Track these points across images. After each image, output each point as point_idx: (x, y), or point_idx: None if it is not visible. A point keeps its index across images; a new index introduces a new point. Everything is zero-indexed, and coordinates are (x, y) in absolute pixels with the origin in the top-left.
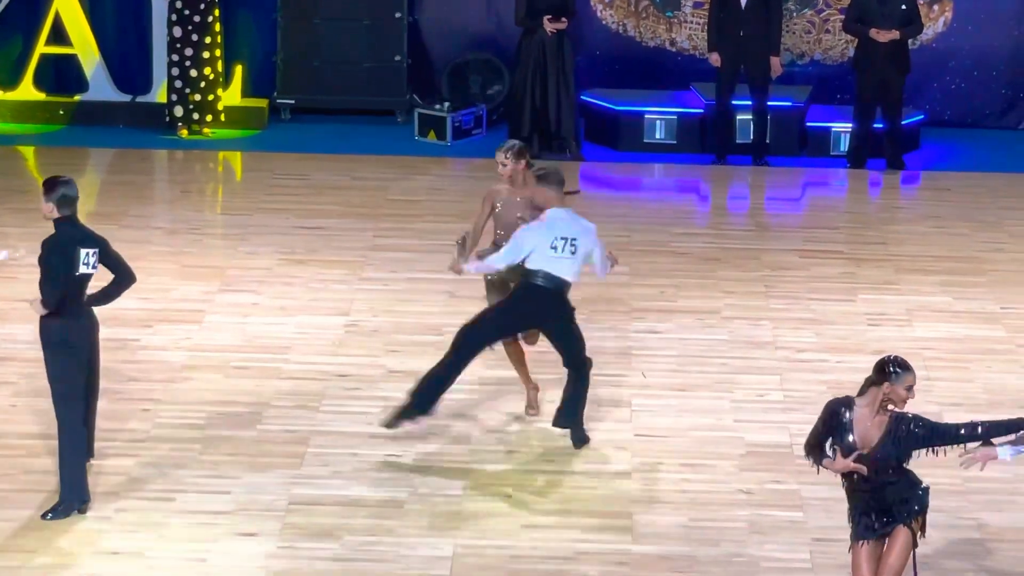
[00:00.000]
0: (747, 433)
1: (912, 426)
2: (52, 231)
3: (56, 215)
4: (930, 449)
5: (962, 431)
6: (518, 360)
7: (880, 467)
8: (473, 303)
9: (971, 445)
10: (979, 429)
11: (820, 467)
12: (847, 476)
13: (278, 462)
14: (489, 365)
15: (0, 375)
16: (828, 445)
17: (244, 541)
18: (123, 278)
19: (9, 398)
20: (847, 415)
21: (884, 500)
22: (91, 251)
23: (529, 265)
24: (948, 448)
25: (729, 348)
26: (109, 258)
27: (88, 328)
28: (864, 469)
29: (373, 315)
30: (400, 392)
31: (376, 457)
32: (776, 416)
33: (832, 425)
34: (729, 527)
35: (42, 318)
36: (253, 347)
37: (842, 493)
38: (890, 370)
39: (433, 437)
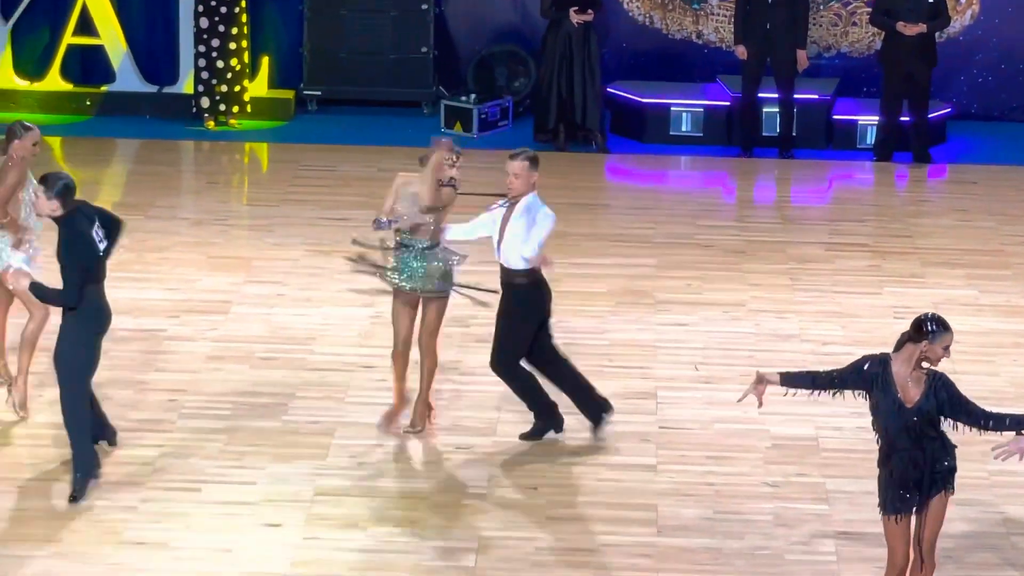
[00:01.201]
0: (772, 426)
1: (948, 388)
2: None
3: (61, 212)
4: (952, 422)
5: (989, 420)
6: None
7: (922, 423)
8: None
9: (1002, 438)
10: (1006, 421)
11: (788, 381)
12: (888, 432)
13: (304, 453)
14: None
15: None
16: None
17: (269, 531)
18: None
19: (31, 389)
20: (886, 371)
21: (922, 459)
22: (96, 227)
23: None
24: (968, 428)
25: (755, 341)
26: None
27: (109, 311)
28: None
29: None
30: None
31: (401, 448)
32: (801, 409)
33: (865, 380)
34: (754, 520)
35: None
36: (279, 338)
37: (868, 486)
38: (929, 328)
39: (458, 429)
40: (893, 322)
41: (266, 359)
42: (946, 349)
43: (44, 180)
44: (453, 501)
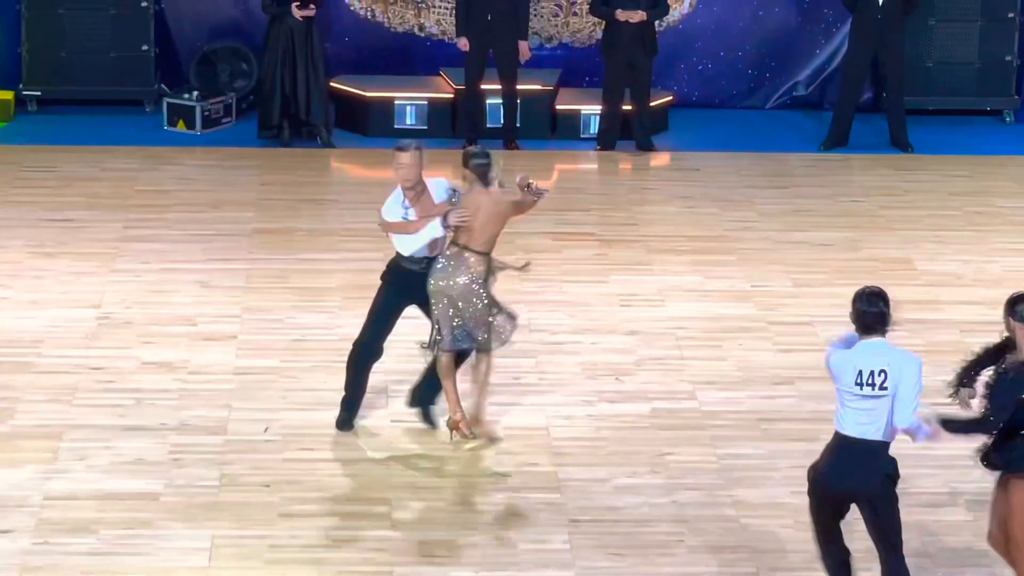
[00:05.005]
0: (503, 416)
1: None
2: None
3: None
4: None
5: None
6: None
7: None
8: (224, 292)
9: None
10: None
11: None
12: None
13: (32, 457)
14: (240, 355)
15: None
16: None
17: None
18: None
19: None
20: None
21: None
22: None
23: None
24: None
25: None
26: None
27: None
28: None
29: (125, 307)
30: (150, 384)
31: (131, 450)
32: (532, 398)
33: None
34: (487, 511)
35: None
36: (3, 341)
37: (599, 473)
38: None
39: (187, 429)
40: (620, 310)
41: None
42: None
43: None
44: (184, 501)
